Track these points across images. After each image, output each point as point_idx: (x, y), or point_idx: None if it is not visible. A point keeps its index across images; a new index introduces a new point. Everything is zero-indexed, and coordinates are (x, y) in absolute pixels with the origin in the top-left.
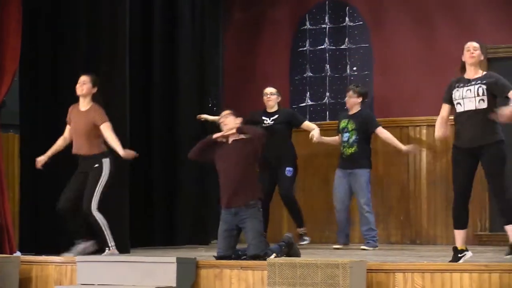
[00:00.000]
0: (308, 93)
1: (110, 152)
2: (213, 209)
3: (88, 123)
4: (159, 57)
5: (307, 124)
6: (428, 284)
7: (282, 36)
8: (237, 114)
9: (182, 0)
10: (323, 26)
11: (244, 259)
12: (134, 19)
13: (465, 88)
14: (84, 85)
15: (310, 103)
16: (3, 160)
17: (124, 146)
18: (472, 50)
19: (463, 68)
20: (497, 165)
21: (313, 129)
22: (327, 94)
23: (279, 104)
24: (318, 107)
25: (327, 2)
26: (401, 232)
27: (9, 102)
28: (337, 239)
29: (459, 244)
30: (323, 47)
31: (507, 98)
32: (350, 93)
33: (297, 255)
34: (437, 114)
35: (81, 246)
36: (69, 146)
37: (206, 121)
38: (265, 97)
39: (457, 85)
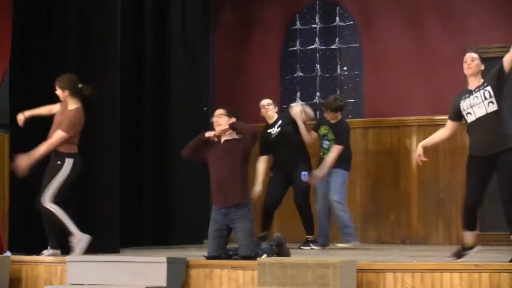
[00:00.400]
0: (299, 92)
1: (78, 154)
2: (204, 208)
3: (59, 121)
4: (150, 58)
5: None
6: (418, 284)
7: (273, 36)
8: (231, 113)
9: (172, 0)
10: (314, 26)
11: (235, 259)
12: (125, 20)
13: (472, 96)
14: (57, 92)
15: (300, 103)
16: None
17: (115, 145)
18: (469, 61)
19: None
20: (509, 174)
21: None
22: (318, 94)
23: (276, 113)
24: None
25: (317, 2)
26: (391, 232)
27: None
28: (317, 239)
29: (468, 243)
30: (313, 47)
31: (507, 72)
32: (328, 112)
33: (287, 255)
34: (427, 114)
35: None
36: None
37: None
38: (263, 110)
39: (462, 97)
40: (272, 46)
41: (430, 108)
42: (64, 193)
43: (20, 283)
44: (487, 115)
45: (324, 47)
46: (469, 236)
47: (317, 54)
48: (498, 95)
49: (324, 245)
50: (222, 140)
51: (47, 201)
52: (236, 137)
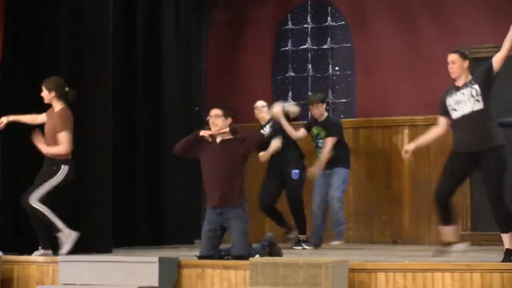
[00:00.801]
0: (290, 92)
1: (72, 160)
2: (197, 209)
3: (51, 128)
4: (142, 58)
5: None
6: (410, 284)
7: (265, 35)
8: (228, 114)
9: (165, 0)
10: (305, 26)
11: (227, 259)
12: (117, 20)
13: (459, 93)
14: (43, 93)
15: (292, 102)
16: None
17: (108, 145)
18: (450, 64)
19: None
20: (496, 171)
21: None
22: (310, 93)
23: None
24: (300, 107)
25: (309, 2)
26: (383, 232)
27: None
28: (310, 240)
29: (447, 239)
30: (305, 47)
31: (496, 72)
32: (314, 105)
33: (279, 254)
34: (419, 114)
35: (62, 238)
36: None
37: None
38: (256, 111)
39: (449, 93)
40: (264, 46)
41: (421, 108)
42: (51, 197)
43: (11, 283)
44: (472, 113)
45: (316, 47)
46: (446, 231)
47: (309, 54)
48: (485, 94)
49: (316, 245)
50: (218, 139)
51: (34, 200)
52: (234, 137)
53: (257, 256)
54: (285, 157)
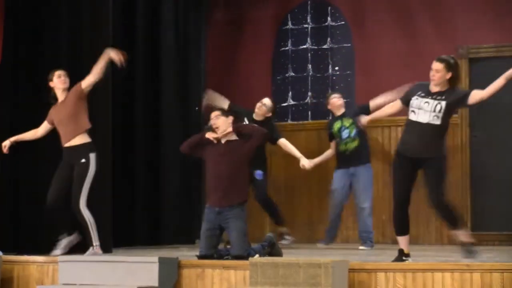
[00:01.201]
0: (290, 92)
1: (96, 146)
2: (196, 208)
3: (70, 103)
4: (141, 58)
5: (283, 142)
6: (410, 284)
7: (264, 36)
8: (227, 112)
9: (165, 0)
10: (305, 26)
11: (227, 259)
12: (117, 20)
13: (424, 100)
14: (67, 78)
15: (292, 102)
16: None
17: (106, 144)
18: (433, 72)
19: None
20: (437, 179)
21: (298, 156)
22: (309, 93)
23: (266, 117)
24: (300, 107)
25: (309, 2)
26: (383, 232)
27: None
28: (324, 238)
29: (406, 249)
30: (305, 47)
31: (469, 105)
32: (338, 96)
33: (279, 254)
34: None
35: (65, 241)
36: (48, 145)
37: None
38: (259, 104)
39: (418, 93)
40: (264, 46)
41: None
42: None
43: (11, 283)
44: (428, 125)
45: (316, 47)
46: (404, 243)
47: (309, 54)
48: (449, 114)
49: (328, 244)
50: (224, 140)
51: (83, 206)
52: (238, 138)
53: (257, 256)
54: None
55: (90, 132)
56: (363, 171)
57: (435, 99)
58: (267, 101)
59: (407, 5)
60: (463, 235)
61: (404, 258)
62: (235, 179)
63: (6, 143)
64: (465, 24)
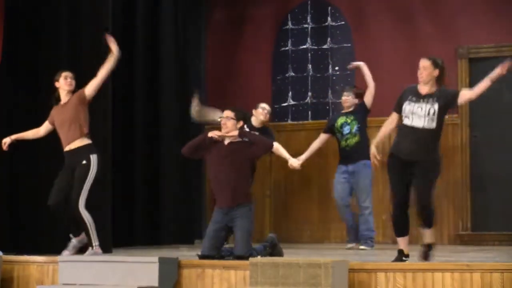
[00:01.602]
0: (290, 92)
1: (96, 146)
2: (197, 208)
3: (72, 107)
4: (141, 59)
5: (275, 146)
6: (410, 284)
7: (264, 36)
8: (239, 117)
9: (164, 1)
10: (305, 26)
11: (228, 259)
12: (116, 21)
13: (417, 105)
14: (73, 80)
15: (292, 102)
16: None
17: (106, 144)
18: (421, 70)
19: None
20: (426, 182)
21: (287, 158)
22: (309, 93)
23: (264, 123)
24: (300, 107)
25: (309, 2)
26: (383, 232)
27: None
28: (348, 238)
29: (405, 250)
30: (305, 46)
31: (455, 104)
32: (346, 95)
33: (280, 255)
34: None
35: (75, 241)
36: (48, 145)
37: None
38: (260, 110)
39: (409, 97)
40: (264, 46)
41: None
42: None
43: (11, 283)
44: (423, 129)
45: (316, 47)
46: (404, 243)
47: (309, 54)
48: (442, 115)
49: (355, 242)
50: (227, 141)
51: (82, 207)
52: (242, 140)
53: (258, 256)
54: None
55: (90, 133)
56: (362, 169)
57: (427, 102)
58: (267, 106)
59: (407, 5)
60: (430, 235)
61: (404, 258)
62: (239, 179)
63: (7, 140)
64: (465, 24)
